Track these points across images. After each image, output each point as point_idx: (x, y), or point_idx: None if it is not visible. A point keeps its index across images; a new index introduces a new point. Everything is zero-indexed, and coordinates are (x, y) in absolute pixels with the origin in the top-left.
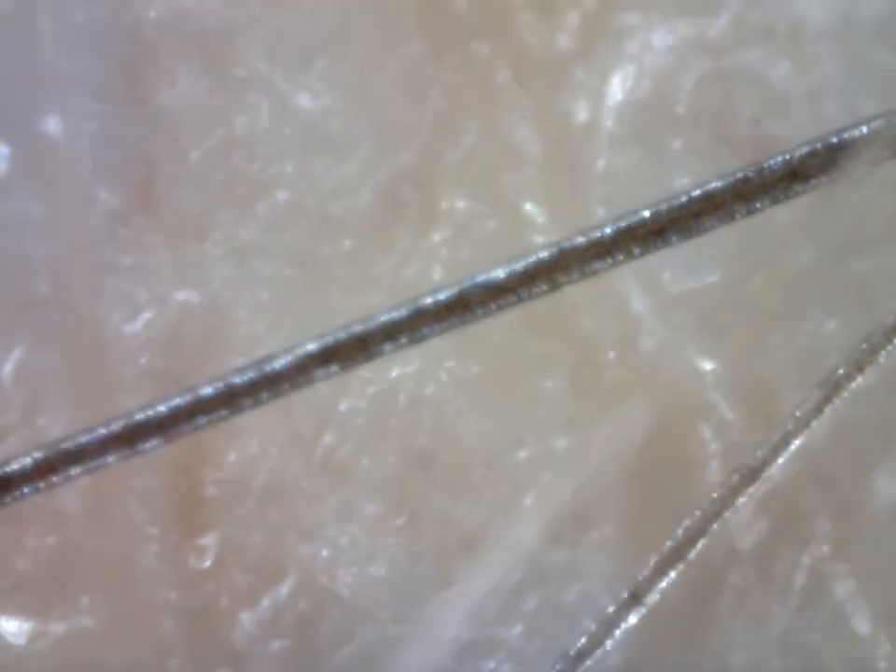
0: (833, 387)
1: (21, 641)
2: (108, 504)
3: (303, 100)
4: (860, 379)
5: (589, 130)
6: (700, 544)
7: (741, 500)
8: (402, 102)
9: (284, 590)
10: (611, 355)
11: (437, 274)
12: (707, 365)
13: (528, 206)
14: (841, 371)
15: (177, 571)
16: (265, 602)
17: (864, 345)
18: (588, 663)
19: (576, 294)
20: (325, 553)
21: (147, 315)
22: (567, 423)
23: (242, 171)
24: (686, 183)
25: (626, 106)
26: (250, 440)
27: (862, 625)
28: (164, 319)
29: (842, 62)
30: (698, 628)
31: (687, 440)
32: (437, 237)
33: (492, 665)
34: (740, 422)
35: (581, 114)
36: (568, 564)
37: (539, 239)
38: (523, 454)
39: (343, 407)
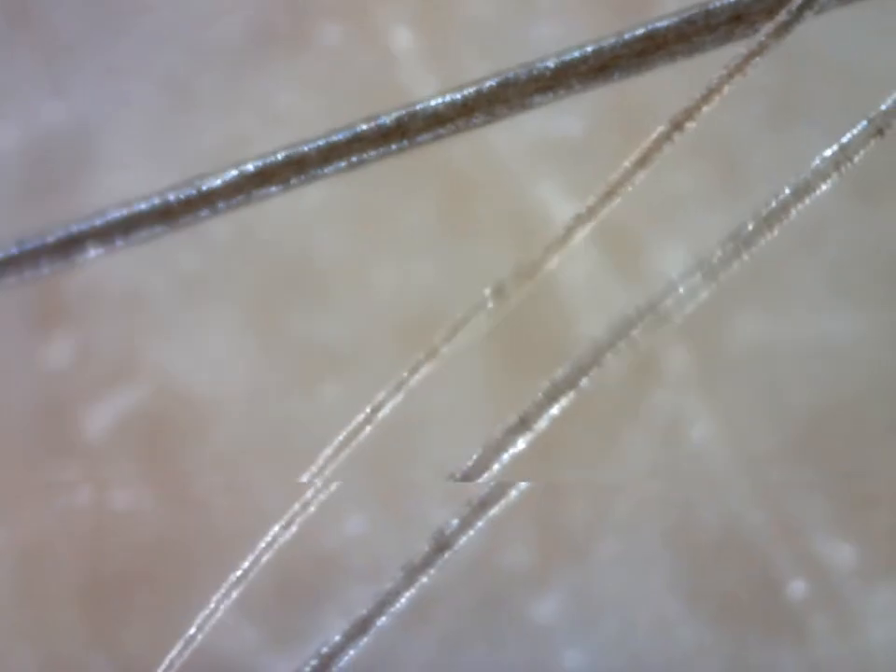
0: (741, 243)
1: None
2: None
3: None
4: (769, 236)
5: None
6: (592, 373)
7: (636, 332)
8: None
9: (139, 391)
10: (477, 191)
11: (309, 101)
12: (569, 209)
13: (399, 36)
14: (750, 227)
15: (34, 369)
16: (119, 402)
17: (774, 203)
18: (480, 480)
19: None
20: (182, 357)
21: (15, 130)
22: (429, 248)
23: None
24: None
25: None
26: None
27: (722, 466)
28: (33, 134)
29: None
30: (564, 456)
31: (549, 279)
32: (309, 64)
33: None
34: (603, 262)
35: None
36: (431, 376)
37: (411, 66)
38: (384, 273)
39: (207, 225)
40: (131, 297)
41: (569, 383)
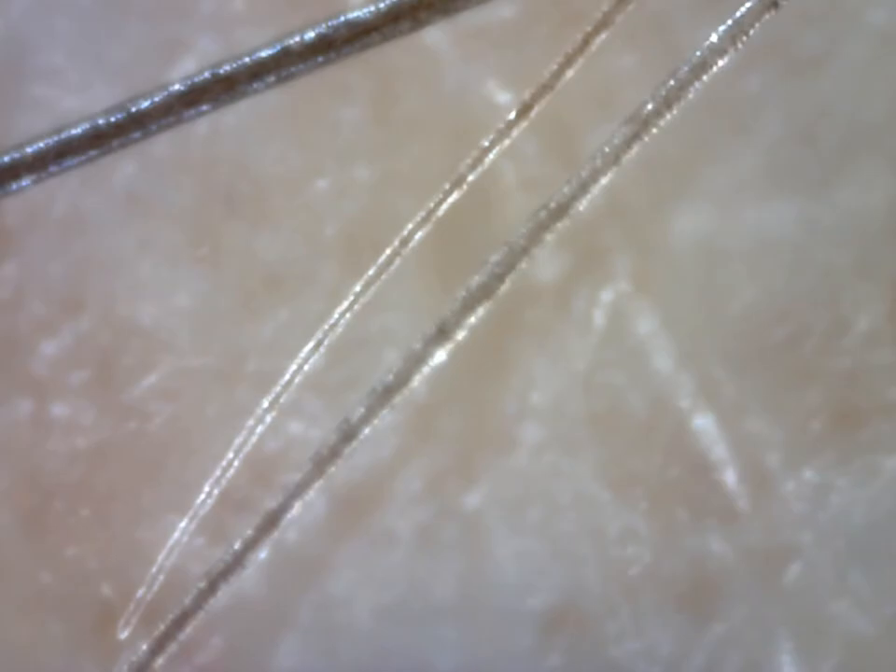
0: (641, 124)
1: None
2: None
3: None
4: (668, 115)
5: None
6: (508, 281)
7: (548, 237)
8: None
9: (85, 320)
10: (410, 86)
11: (241, 4)
12: (505, 98)
13: None
14: (650, 107)
15: None
16: (66, 333)
17: (672, 81)
18: (396, 399)
19: None
20: (125, 284)
21: None
22: (367, 153)
23: None
24: None
25: None
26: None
27: (665, 363)
28: None
29: None
30: (500, 367)
31: (488, 174)
32: None
33: (295, 397)
34: (540, 158)
35: None
36: (371, 296)
37: None
38: (322, 183)
39: (139, 140)
40: (71, 218)
41: (486, 290)
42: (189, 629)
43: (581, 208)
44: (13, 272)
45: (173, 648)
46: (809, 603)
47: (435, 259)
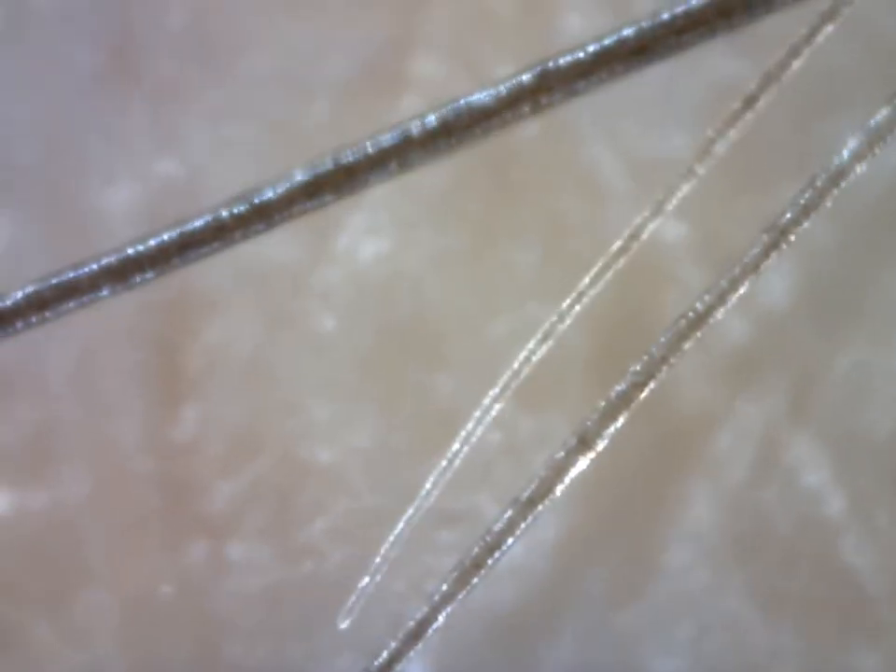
0: (779, 233)
1: (3, 512)
2: (92, 377)
3: None
4: (806, 224)
5: None
6: (648, 389)
7: (688, 345)
8: None
9: (262, 462)
10: (581, 224)
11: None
12: (675, 230)
13: (501, 69)
14: (788, 216)
15: (158, 444)
16: (243, 474)
17: (810, 190)
18: (539, 508)
19: (544, 159)
20: (303, 425)
21: (127, 187)
22: (541, 293)
23: (218, 36)
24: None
25: None
26: (230, 312)
27: (814, 481)
28: (144, 189)
29: None
30: (651, 487)
31: (651, 303)
32: (411, 102)
33: (463, 532)
34: (689, 264)
35: None
36: (537, 430)
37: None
38: (498, 325)
39: (319, 283)
40: (252, 361)
41: (626, 400)
42: None
43: (719, 317)
44: (193, 414)
45: None
46: None
47: (585, 367)
